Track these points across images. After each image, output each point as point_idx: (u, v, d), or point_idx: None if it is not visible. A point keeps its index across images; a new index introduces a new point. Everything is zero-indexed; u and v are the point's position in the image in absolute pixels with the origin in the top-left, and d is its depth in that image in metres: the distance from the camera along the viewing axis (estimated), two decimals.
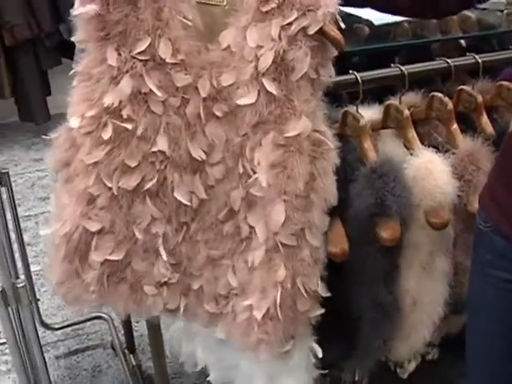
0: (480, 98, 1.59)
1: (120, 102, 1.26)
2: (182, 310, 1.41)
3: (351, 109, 1.51)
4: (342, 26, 1.27)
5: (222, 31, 1.28)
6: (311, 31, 1.24)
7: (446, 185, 1.44)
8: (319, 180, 1.30)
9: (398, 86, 1.58)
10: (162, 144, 1.28)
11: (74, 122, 1.29)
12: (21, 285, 1.89)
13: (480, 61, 1.60)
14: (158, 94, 1.26)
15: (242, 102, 1.26)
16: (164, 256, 1.35)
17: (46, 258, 1.42)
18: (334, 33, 1.25)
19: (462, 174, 1.49)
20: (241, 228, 1.34)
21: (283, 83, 1.26)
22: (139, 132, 1.27)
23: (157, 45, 1.24)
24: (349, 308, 1.50)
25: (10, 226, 2.00)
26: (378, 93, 1.59)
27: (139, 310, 1.41)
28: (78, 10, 1.25)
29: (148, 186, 1.30)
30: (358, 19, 1.89)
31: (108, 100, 1.26)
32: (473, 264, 1.37)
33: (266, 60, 1.24)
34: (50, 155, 1.39)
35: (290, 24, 1.23)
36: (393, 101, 1.56)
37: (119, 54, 1.25)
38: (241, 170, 1.30)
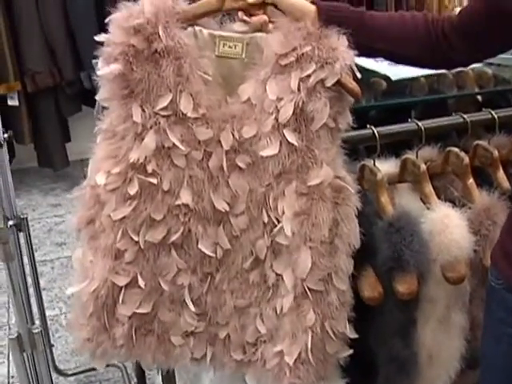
0: (496, 153, 1.60)
1: (145, 157, 1.28)
2: (208, 358, 1.42)
3: (368, 162, 1.53)
4: (359, 75, 1.30)
5: (240, 84, 1.31)
6: (329, 83, 1.27)
7: (463, 239, 1.44)
8: (343, 225, 1.32)
9: (414, 139, 1.60)
10: (185, 197, 1.30)
11: (100, 178, 1.31)
12: (36, 331, 1.90)
13: (496, 116, 1.62)
14: (181, 147, 1.28)
15: (264, 153, 1.28)
16: (191, 306, 1.36)
17: (72, 314, 1.42)
18: (351, 84, 1.28)
19: (479, 228, 1.49)
20: (267, 276, 1.35)
21: (303, 133, 1.29)
22: (164, 186, 1.29)
23: (178, 100, 1.27)
24: (365, 360, 1.50)
25: (27, 270, 2.01)
26: (394, 146, 1.61)
27: (167, 361, 1.42)
28: (102, 69, 1.28)
29: (173, 238, 1.32)
30: (376, 74, 1.93)
31: (134, 156, 1.28)
32: (485, 320, 1.36)
33: (287, 112, 1.27)
34: (72, 215, 1.41)
35: (308, 76, 1.26)
36: (410, 155, 1.57)
37: (143, 111, 1.28)
38: (265, 220, 1.32)
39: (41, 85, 3.76)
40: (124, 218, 1.30)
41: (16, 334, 1.90)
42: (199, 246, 1.33)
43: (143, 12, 1.27)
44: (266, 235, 1.33)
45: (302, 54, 1.26)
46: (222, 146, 1.29)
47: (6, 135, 1.82)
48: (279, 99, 1.27)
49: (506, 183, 1.59)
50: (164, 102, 1.27)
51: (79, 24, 3.73)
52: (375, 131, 1.51)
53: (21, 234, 1.97)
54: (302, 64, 1.26)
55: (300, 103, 1.26)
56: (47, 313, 2.45)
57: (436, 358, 1.54)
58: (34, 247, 2.14)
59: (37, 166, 4.12)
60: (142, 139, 1.28)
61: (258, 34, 1.32)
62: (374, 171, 1.50)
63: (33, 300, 2.05)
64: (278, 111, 1.27)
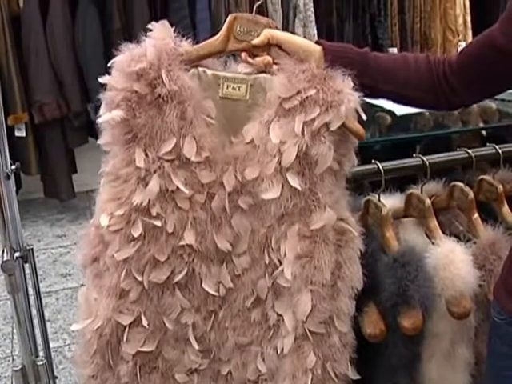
0: (501, 188, 1.61)
1: (149, 200, 1.28)
2: None
3: (373, 197, 1.53)
4: (364, 117, 1.29)
5: (244, 124, 1.31)
6: (334, 127, 1.25)
7: (468, 274, 1.44)
8: (345, 268, 1.31)
9: (419, 174, 1.61)
10: (189, 238, 1.30)
11: (103, 220, 1.31)
12: (40, 363, 1.89)
13: (500, 151, 1.63)
14: (185, 191, 1.28)
15: (266, 196, 1.28)
16: (194, 344, 1.36)
17: (76, 351, 1.42)
18: (356, 127, 1.27)
19: (483, 263, 1.49)
20: (268, 315, 1.35)
21: (307, 177, 1.28)
22: (168, 228, 1.29)
23: (182, 144, 1.27)
24: None
25: (31, 301, 2.01)
26: (399, 181, 1.62)
27: None
28: (104, 115, 1.28)
29: (177, 278, 1.32)
30: (381, 108, 1.94)
31: (137, 199, 1.28)
32: (488, 356, 1.36)
33: (290, 155, 1.25)
34: (78, 251, 1.40)
35: (313, 120, 1.25)
36: (414, 190, 1.58)
37: (146, 155, 1.28)
38: (267, 260, 1.32)
39: (48, 116, 3.79)
40: (128, 258, 1.30)
41: (20, 366, 1.89)
42: (203, 285, 1.33)
43: (145, 55, 1.26)
44: (268, 276, 1.33)
45: (307, 98, 1.25)
46: (224, 187, 1.29)
47: (13, 167, 1.82)
48: (282, 142, 1.26)
49: (510, 218, 1.60)
50: (168, 147, 1.27)
51: (87, 56, 3.78)
52: (380, 166, 1.52)
53: (26, 265, 1.97)
54: (307, 107, 1.25)
55: (304, 147, 1.25)
56: (51, 344, 2.44)
57: None
58: (38, 278, 2.14)
59: (43, 197, 4.14)
60: (146, 183, 1.28)
61: (262, 75, 1.32)
62: (379, 206, 1.51)
63: (37, 331, 2.04)
64: (281, 154, 1.26)
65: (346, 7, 4.15)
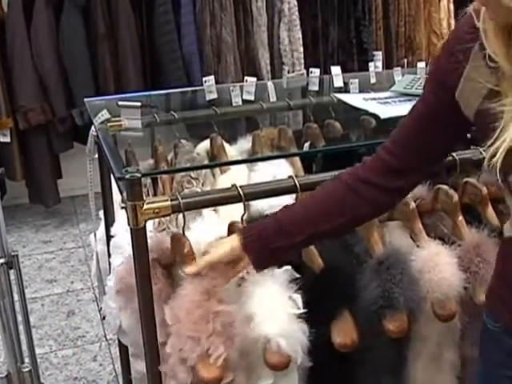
0: (485, 190, 1.62)
1: None
2: None
3: None
4: None
5: None
6: None
7: (453, 277, 1.45)
8: None
9: None
10: None
11: None
12: (26, 369, 1.88)
13: (485, 154, 1.63)
14: None
15: None
16: None
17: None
18: None
19: (468, 265, 1.49)
20: None
21: None
22: None
23: None
24: None
25: (17, 307, 2.00)
26: None
27: None
28: None
29: None
30: (365, 112, 1.95)
31: None
32: (481, 363, 1.34)
33: None
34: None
35: None
36: None
37: None
38: None
39: (33, 122, 3.77)
40: None
41: (5, 373, 1.88)
42: None
43: None
44: None
45: None
46: None
47: None
48: None
49: (495, 220, 1.60)
50: None
51: (72, 61, 3.76)
52: None
53: (11, 271, 1.96)
54: None
55: None
56: (37, 351, 2.43)
57: None
58: (24, 284, 2.13)
59: (28, 203, 4.11)
60: None
61: None
62: None
63: (22, 338, 2.03)
64: None
65: (331, 11, 4.16)
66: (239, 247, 1.30)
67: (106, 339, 2.89)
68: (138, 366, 1.64)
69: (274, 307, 1.26)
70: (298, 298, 1.29)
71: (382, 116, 1.90)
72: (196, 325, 1.24)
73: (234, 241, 1.32)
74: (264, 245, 1.29)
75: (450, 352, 1.54)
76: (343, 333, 1.39)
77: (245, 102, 2.22)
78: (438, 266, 1.44)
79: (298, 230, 1.30)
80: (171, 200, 1.35)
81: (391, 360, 1.49)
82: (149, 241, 1.39)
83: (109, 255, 1.91)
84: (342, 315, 1.40)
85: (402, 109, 1.96)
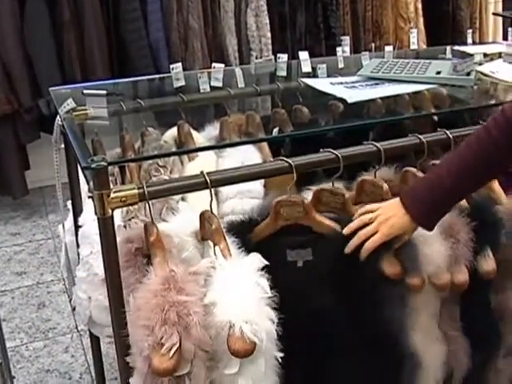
0: None
1: None
2: None
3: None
4: None
5: None
6: None
7: (442, 248, 1.50)
8: None
9: (366, 162, 1.62)
10: None
11: None
12: None
13: (451, 136, 1.64)
14: None
15: None
16: None
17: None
18: None
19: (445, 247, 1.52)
20: None
21: None
22: None
23: None
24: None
25: None
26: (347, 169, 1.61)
27: None
28: None
29: None
30: (333, 97, 1.95)
31: None
32: None
33: None
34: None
35: None
36: (367, 176, 1.59)
37: None
38: None
39: None
40: None
41: None
42: None
43: None
44: None
45: None
46: None
47: None
48: None
49: (462, 201, 1.61)
50: None
51: (36, 49, 3.70)
52: (337, 153, 1.50)
53: None
54: None
55: None
56: (8, 344, 2.41)
57: (425, 363, 1.57)
58: None
59: None
60: None
61: None
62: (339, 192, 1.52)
63: None
64: None
65: None
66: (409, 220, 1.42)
67: (78, 330, 2.86)
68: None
69: (239, 293, 1.25)
70: (265, 283, 1.28)
71: (350, 100, 1.89)
72: (151, 313, 1.22)
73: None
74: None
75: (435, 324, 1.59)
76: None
77: (213, 88, 2.21)
78: (427, 240, 1.47)
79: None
80: (138, 188, 1.34)
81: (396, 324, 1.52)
82: (130, 230, 1.37)
83: (77, 245, 1.89)
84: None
85: (369, 93, 1.98)
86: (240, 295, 1.25)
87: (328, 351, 1.47)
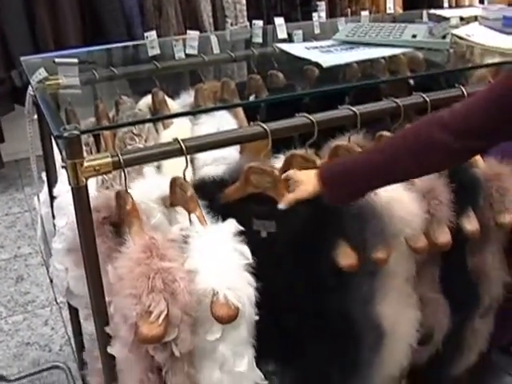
0: None
1: None
2: None
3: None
4: None
5: None
6: None
7: (418, 211, 1.50)
8: None
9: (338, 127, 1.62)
10: None
11: None
12: None
13: (428, 99, 1.64)
14: None
15: None
16: None
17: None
18: None
19: (427, 208, 1.53)
20: None
21: None
22: None
23: None
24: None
25: None
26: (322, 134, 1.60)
27: None
28: None
29: None
30: (308, 61, 1.93)
31: None
32: None
33: None
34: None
35: None
36: (341, 141, 1.58)
37: None
38: None
39: None
40: None
41: None
42: None
43: None
44: None
45: None
46: None
47: None
48: None
49: None
50: None
51: (8, 21, 3.63)
52: (311, 118, 1.49)
53: None
54: None
55: None
56: None
57: (397, 329, 1.59)
58: None
59: None
60: None
61: None
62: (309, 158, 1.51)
63: None
64: None
65: None
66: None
67: (57, 303, 2.85)
68: (90, 327, 1.62)
69: (219, 260, 1.25)
70: (245, 249, 1.28)
71: (325, 65, 1.88)
72: (137, 282, 1.22)
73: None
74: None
75: (411, 288, 1.60)
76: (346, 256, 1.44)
77: (188, 55, 2.18)
78: (402, 202, 1.48)
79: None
80: (112, 157, 1.32)
81: (361, 298, 1.52)
82: (96, 199, 1.36)
83: (53, 217, 1.87)
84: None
85: (344, 57, 1.96)
86: (221, 262, 1.25)
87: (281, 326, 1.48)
